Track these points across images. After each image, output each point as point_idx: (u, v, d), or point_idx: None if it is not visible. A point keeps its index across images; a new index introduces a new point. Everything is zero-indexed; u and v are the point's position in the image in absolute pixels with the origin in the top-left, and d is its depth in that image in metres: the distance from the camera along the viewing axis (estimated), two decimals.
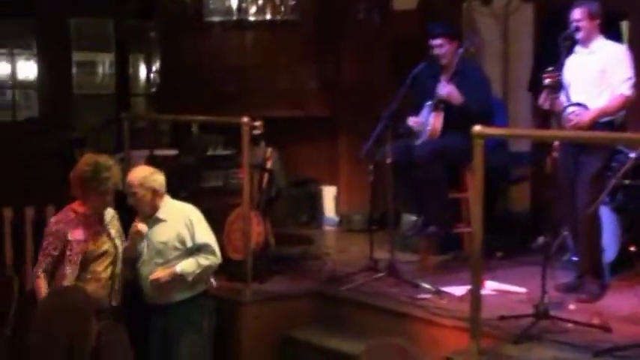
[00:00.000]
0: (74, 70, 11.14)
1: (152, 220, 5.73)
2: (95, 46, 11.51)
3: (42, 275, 5.47)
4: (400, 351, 4.63)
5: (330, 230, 8.94)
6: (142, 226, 5.65)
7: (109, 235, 5.59)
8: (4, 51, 10.88)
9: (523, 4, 8.47)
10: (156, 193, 5.71)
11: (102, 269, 5.51)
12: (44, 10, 10.46)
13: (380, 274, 6.41)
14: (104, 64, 11.68)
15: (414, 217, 7.03)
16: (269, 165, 6.88)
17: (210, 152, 8.24)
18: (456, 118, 6.48)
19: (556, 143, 5.82)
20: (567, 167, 5.89)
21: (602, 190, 5.81)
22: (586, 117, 5.79)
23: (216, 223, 6.22)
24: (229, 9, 8.93)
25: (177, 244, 5.67)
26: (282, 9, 8.92)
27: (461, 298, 5.82)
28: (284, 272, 6.89)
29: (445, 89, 6.58)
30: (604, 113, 5.82)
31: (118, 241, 5.62)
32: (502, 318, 5.31)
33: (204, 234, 5.73)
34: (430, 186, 6.55)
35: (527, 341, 5.04)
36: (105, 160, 5.54)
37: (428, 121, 6.67)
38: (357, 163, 7.60)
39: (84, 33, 11.30)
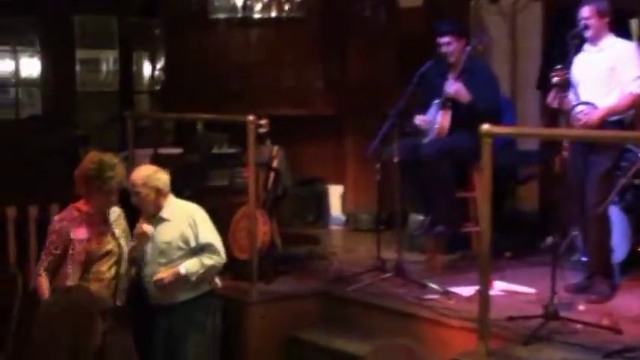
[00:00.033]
0: (78, 67, 11.14)
1: (156, 219, 5.73)
2: (99, 44, 11.50)
3: (44, 273, 5.47)
4: (407, 352, 4.64)
5: (337, 230, 8.95)
6: (147, 227, 5.64)
7: (113, 234, 5.57)
8: (7, 48, 10.89)
9: (531, 2, 8.45)
10: (159, 193, 5.71)
11: (106, 269, 5.50)
12: (47, 8, 10.46)
13: (387, 275, 6.41)
14: (108, 62, 11.67)
15: (421, 217, 7.03)
16: (275, 164, 6.87)
17: (215, 151, 8.25)
18: (464, 117, 6.47)
19: (566, 142, 5.81)
20: (576, 166, 5.88)
21: (611, 190, 5.80)
22: (595, 116, 5.78)
23: (221, 222, 6.22)
24: (234, 6, 8.95)
25: (181, 244, 5.66)
26: (288, 6, 8.94)
27: (469, 299, 5.82)
28: (290, 272, 6.89)
29: (453, 87, 6.58)
30: (613, 112, 5.81)
31: (122, 241, 5.60)
32: (511, 319, 5.30)
33: (208, 233, 5.73)
34: (438, 185, 6.55)
35: (537, 342, 5.03)
36: (109, 158, 5.53)
37: (435, 120, 6.66)
38: (364, 162, 7.60)
39: (87, 30, 11.29)
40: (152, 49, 11.65)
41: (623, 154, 6.19)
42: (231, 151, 8.20)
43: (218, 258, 5.72)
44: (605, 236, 5.95)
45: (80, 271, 5.41)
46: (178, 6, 9.50)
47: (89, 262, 5.44)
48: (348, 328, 6.18)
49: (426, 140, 6.69)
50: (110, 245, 5.53)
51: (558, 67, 5.76)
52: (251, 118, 6.20)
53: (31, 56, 10.96)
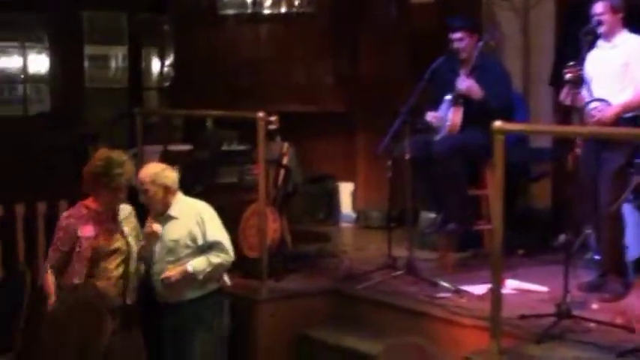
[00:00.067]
0: (86, 63, 11.15)
1: (164, 217, 5.73)
2: (108, 40, 11.50)
3: (50, 270, 5.49)
4: (419, 351, 4.64)
5: (347, 227, 8.96)
6: (156, 227, 5.64)
7: (122, 232, 5.57)
8: (15, 44, 10.90)
9: None
10: (168, 190, 5.71)
11: (113, 267, 5.50)
12: (56, 3, 10.48)
13: (398, 272, 6.42)
14: (117, 58, 11.68)
15: (433, 214, 7.03)
16: (285, 161, 6.88)
17: (224, 147, 8.26)
18: (476, 114, 6.47)
19: (579, 140, 5.80)
20: (589, 164, 5.86)
21: (624, 188, 5.79)
22: (609, 113, 5.77)
23: (230, 220, 6.23)
24: (244, 2, 8.96)
25: (189, 242, 5.67)
26: (298, 2, 8.94)
27: (481, 297, 5.82)
28: (300, 270, 6.90)
29: (465, 83, 6.57)
30: (627, 109, 5.79)
31: (131, 239, 5.60)
32: (523, 317, 5.30)
33: (216, 231, 5.73)
34: (449, 182, 6.55)
35: (549, 341, 5.03)
36: (118, 155, 5.53)
37: (447, 116, 6.66)
38: (375, 158, 7.59)
39: (96, 26, 11.30)
40: (161, 45, 11.65)
41: (636, 151, 6.17)
42: (241, 148, 8.22)
43: (226, 256, 5.72)
44: (618, 234, 5.94)
45: (87, 268, 5.42)
46: (188, 2, 9.52)
47: (96, 259, 5.44)
48: (358, 326, 6.19)
49: (437, 137, 6.69)
50: (118, 243, 5.54)
51: (571, 63, 5.75)
52: (261, 114, 6.20)
53: (40, 52, 10.98)
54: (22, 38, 10.86)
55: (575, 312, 5.22)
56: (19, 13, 10.52)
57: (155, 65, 11.97)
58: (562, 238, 6.60)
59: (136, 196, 5.76)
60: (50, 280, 5.46)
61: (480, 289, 5.97)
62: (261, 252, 6.29)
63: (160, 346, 5.80)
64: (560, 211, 7.25)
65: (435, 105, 6.80)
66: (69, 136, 9.67)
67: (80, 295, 5.27)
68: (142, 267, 5.69)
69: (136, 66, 11.41)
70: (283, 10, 8.93)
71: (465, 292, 6.04)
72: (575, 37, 5.93)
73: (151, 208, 5.77)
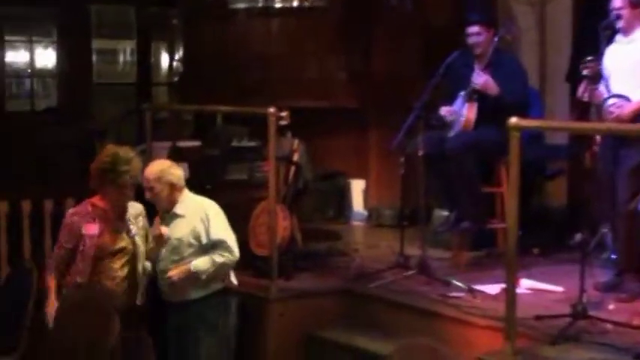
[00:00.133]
0: (94, 58, 11.20)
1: (170, 215, 5.74)
2: (116, 34, 11.56)
3: (53, 267, 5.52)
4: (431, 351, 4.62)
5: (359, 225, 8.94)
6: (164, 230, 5.63)
7: (128, 231, 5.54)
8: (22, 38, 10.95)
9: None
10: (174, 188, 5.70)
11: (118, 267, 5.48)
12: None
13: (410, 272, 6.40)
14: (125, 53, 11.73)
15: (446, 212, 7.02)
16: (296, 157, 6.88)
17: (234, 144, 8.26)
18: (491, 110, 6.45)
19: (597, 137, 5.78)
20: (607, 161, 5.84)
21: None
22: (627, 109, 5.74)
23: (240, 217, 6.23)
24: None
25: (192, 241, 5.66)
26: None
27: (495, 297, 5.81)
28: (311, 269, 6.89)
29: (481, 79, 6.55)
30: None
31: (138, 239, 5.56)
32: (538, 318, 5.28)
33: (220, 230, 5.71)
34: (463, 180, 6.53)
35: (565, 342, 5.01)
36: (124, 152, 5.51)
37: (461, 112, 6.65)
38: (387, 155, 7.58)
39: (105, 20, 11.35)
40: (170, 39, 11.70)
41: None
42: (251, 144, 8.22)
43: (229, 256, 5.70)
44: (636, 233, 5.91)
45: (91, 267, 5.41)
46: None
47: (100, 257, 5.43)
48: (369, 326, 6.18)
49: (451, 133, 6.67)
50: (124, 242, 5.52)
51: (589, 58, 5.74)
52: (272, 110, 6.19)
53: (47, 47, 11.02)
54: (29, 33, 10.90)
55: (592, 312, 5.19)
56: (26, 7, 10.56)
57: (164, 60, 12.02)
58: (578, 236, 6.56)
59: (142, 194, 5.76)
60: (52, 284, 5.48)
61: (493, 288, 5.96)
62: (271, 250, 6.29)
63: (165, 346, 5.80)
64: (576, 209, 7.22)
65: (450, 100, 6.78)
66: (76, 132, 9.71)
67: (86, 294, 5.27)
68: (149, 266, 5.68)
69: (145, 61, 11.47)
70: (295, 3, 8.92)
71: (479, 291, 6.03)
72: (592, 32, 5.91)
73: (157, 206, 5.77)
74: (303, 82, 8.90)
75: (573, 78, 7.00)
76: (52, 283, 5.50)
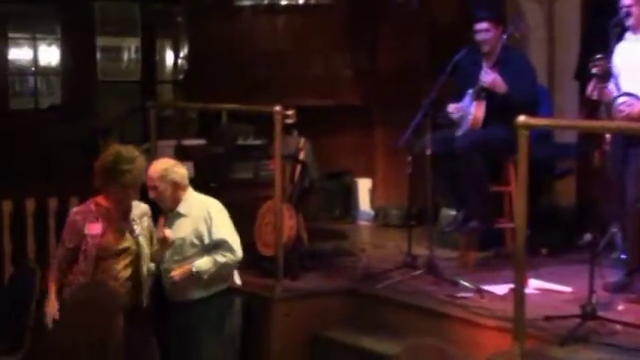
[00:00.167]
0: (98, 55, 11.19)
1: (173, 214, 5.74)
2: (120, 31, 11.56)
3: (55, 267, 5.52)
4: (438, 352, 4.61)
5: (365, 225, 8.94)
6: (168, 232, 5.62)
7: (132, 232, 5.53)
8: (26, 36, 10.95)
9: None
10: (177, 186, 5.70)
11: (121, 267, 5.47)
12: None
13: (418, 272, 6.40)
14: (130, 50, 11.74)
15: (453, 212, 7.01)
16: (302, 156, 6.88)
17: (240, 142, 8.26)
18: (499, 108, 6.45)
19: (607, 136, 5.77)
20: (616, 160, 5.84)
21: None
22: (637, 107, 5.72)
23: (245, 216, 6.22)
24: None
25: (195, 240, 5.67)
26: None
27: (503, 297, 5.80)
28: (317, 269, 6.89)
29: (489, 77, 6.54)
30: None
31: (142, 239, 5.55)
32: (547, 318, 5.27)
33: (222, 230, 5.71)
34: (471, 179, 6.53)
35: (574, 343, 5.00)
36: (127, 151, 5.50)
37: (469, 111, 6.64)
38: (394, 154, 7.58)
39: (109, 17, 11.35)
40: (175, 36, 11.70)
41: None
42: (257, 142, 8.22)
43: (231, 256, 5.69)
44: None
45: (94, 267, 5.41)
46: None
47: (103, 257, 5.42)
48: (376, 327, 6.18)
49: (459, 132, 6.66)
50: (127, 243, 5.50)
51: (598, 56, 5.72)
52: (278, 108, 6.19)
53: (50, 44, 11.02)
54: (33, 30, 10.90)
55: (601, 313, 5.18)
56: (30, 3, 10.56)
57: (169, 57, 12.02)
58: (587, 236, 6.57)
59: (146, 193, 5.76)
60: (52, 285, 5.49)
61: (502, 289, 5.96)
62: (277, 250, 6.28)
63: (168, 345, 5.80)
64: (585, 208, 7.21)
65: (457, 99, 6.78)
66: (80, 130, 9.71)
67: (90, 294, 5.26)
68: (153, 267, 5.68)
69: (149, 58, 11.46)
70: (301, 1, 8.92)
71: (487, 292, 6.02)
72: (601, 30, 5.89)
73: (160, 205, 5.77)
74: (309, 80, 8.90)
75: (582, 76, 6.98)
76: (52, 283, 5.50)
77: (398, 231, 7.89)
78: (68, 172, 9.01)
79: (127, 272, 5.50)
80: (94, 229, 5.44)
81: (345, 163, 9.14)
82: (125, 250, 5.49)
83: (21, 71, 11.04)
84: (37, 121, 10.38)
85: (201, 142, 8.57)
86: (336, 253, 7.40)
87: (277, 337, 6.30)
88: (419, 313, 5.96)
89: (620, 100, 5.78)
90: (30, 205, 7.61)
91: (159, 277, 5.76)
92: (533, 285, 6.01)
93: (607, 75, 5.75)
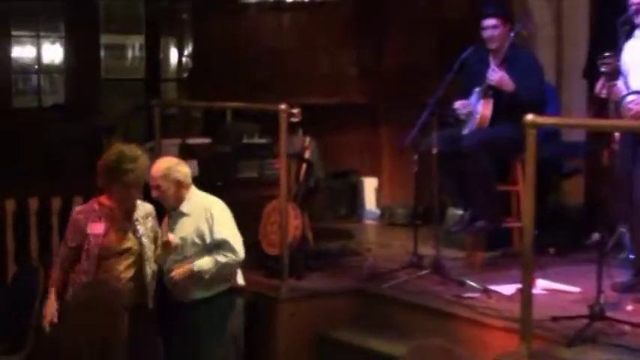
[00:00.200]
0: (102, 53, 11.18)
1: (176, 213, 5.74)
2: (125, 29, 11.55)
3: (57, 265, 5.53)
4: (445, 353, 4.62)
5: (371, 224, 8.95)
6: (172, 237, 5.63)
7: (135, 232, 5.54)
8: (29, 33, 10.94)
9: None
10: (180, 185, 5.70)
11: (122, 268, 5.47)
12: None
13: (424, 272, 6.40)
14: (134, 48, 11.73)
15: (460, 211, 7.01)
16: (307, 155, 6.88)
17: (245, 141, 8.26)
18: (506, 106, 6.45)
19: (616, 134, 5.76)
20: (625, 159, 5.83)
21: None
22: None
23: (250, 216, 6.22)
24: None
25: (196, 240, 5.66)
26: None
27: (510, 298, 5.80)
28: (322, 268, 6.89)
29: (496, 75, 6.54)
30: None
31: (145, 240, 5.55)
32: (554, 319, 5.27)
33: (224, 229, 5.70)
34: (478, 178, 6.52)
35: (581, 344, 5.00)
36: (130, 150, 5.49)
37: (476, 109, 6.63)
38: (400, 153, 7.58)
39: (113, 14, 11.34)
40: (180, 34, 11.68)
41: None
42: (262, 141, 8.22)
43: (232, 256, 5.68)
44: None
45: (96, 266, 5.41)
46: None
47: (105, 257, 5.43)
48: (382, 327, 6.18)
49: (466, 131, 6.66)
50: (129, 243, 5.50)
51: (607, 54, 5.70)
52: (283, 106, 6.19)
53: (54, 42, 11.02)
54: (36, 27, 10.90)
55: (609, 313, 5.18)
56: (33, 1, 10.56)
57: (173, 55, 12.00)
58: (595, 236, 6.57)
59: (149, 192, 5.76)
60: (54, 276, 5.52)
61: (509, 289, 5.95)
62: (282, 250, 6.29)
63: (171, 345, 5.81)
64: (593, 208, 7.20)
65: (464, 97, 6.77)
66: (84, 128, 9.70)
67: (94, 293, 5.27)
68: (156, 267, 5.67)
69: (154, 56, 11.44)
70: None
71: (494, 292, 6.02)
72: (610, 27, 5.88)
73: (164, 204, 5.77)
74: (315, 78, 8.92)
75: (591, 74, 6.98)
76: (53, 284, 5.52)
77: (404, 230, 7.89)
78: (72, 170, 9.01)
79: (130, 272, 5.50)
80: (97, 228, 5.45)
81: (351, 162, 9.15)
82: (127, 250, 5.49)
83: (24, 69, 11.02)
84: (40, 119, 10.37)
85: (205, 140, 8.57)
86: (342, 253, 7.41)
87: (283, 337, 6.30)
88: (425, 313, 5.96)
89: (629, 98, 5.76)
90: (33, 204, 7.62)
91: (161, 277, 5.76)
92: (541, 285, 6.01)
93: (616, 73, 5.73)
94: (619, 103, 5.80)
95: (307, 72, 8.93)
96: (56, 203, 7.64)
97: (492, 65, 6.64)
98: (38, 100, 10.97)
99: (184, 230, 5.69)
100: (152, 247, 5.62)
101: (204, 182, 6.00)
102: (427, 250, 6.57)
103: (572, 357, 4.91)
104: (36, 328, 5.73)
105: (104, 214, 5.50)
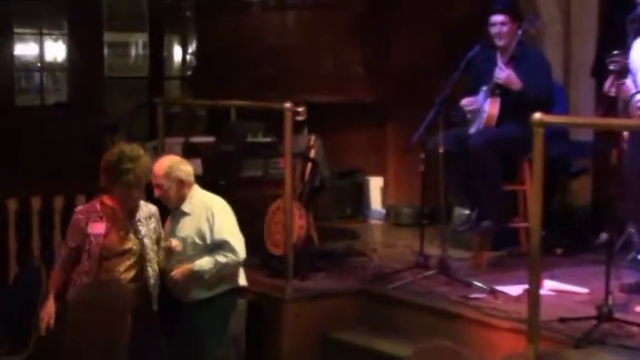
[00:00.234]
0: (105, 51, 11.19)
1: (178, 212, 5.74)
2: (128, 26, 11.56)
3: (58, 266, 5.53)
4: (451, 354, 4.62)
5: (377, 224, 8.94)
6: (174, 242, 5.62)
7: (136, 232, 5.53)
8: (32, 31, 10.95)
9: None
10: (183, 184, 5.69)
11: (123, 269, 5.46)
12: None
13: (430, 272, 6.39)
14: (137, 46, 11.74)
15: (467, 211, 7.00)
16: (312, 154, 6.88)
17: (249, 139, 8.25)
18: (514, 105, 6.44)
19: (625, 133, 5.75)
20: (634, 159, 5.82)
21: None
22: None
23: (254, 215, 6.22)
24: None
25: (197, 240, 5.65)
26: None
27: (517, 298, 5.80)
28: (327, 269, 6.89)
29: (503, 73, 6.52)
30: None
31: (147, 241, 5.54)
32: (562, 320, 5.27)
33: (224, 229, 5.68)
34: (485, 177, 6.51)
35: (589, 345, 5.00)
36: (131, 149, 5.47)
37: (483, 108, 6.62)
38: (406, 152, 7.56)
39: (116, 12, 11.35)
40: (183, 32, 11.69)
41: None
42: (266, 140, 8.21)
43: (233, 256, 5.66)
44: None
45: (97, 266, 5.41)
46: None
47: (106, 257, 5.42)
48: (387, 328, 6.18)
49: (473, 130, 6.65)
50: (130, 244, 5.49)
51: (615, 52, 5.70)
52: (288, 105, 6.18)
53: (57, 40, 11.02)
54: (39, 25, 10.91)
55: (617, 315, 5.17)
56: None
57: (177, 53, 12.01)
58: (603, 236, 6.52)
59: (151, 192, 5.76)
60: (52, 287, 5.52)
61: (516, 289, 5.95)
62: (287, 249, 6.28)
63: (173, 345, 5.81)
64: (601, 208, 7.19)
65: (471, 96, 6.76)
66: (87, 127, 9.71)
67: (98, 293, 5.27)
68: (157, 267, 5.67)
69: (157, 54, 11.45)
70: None
71: (501, 292, 6.02)
72: (618, 25, 5.88)
73: (166, 204, 5.76)
74: (319, 76, 8.91)
75: (599, 72, 6.96)
76: (53, 284, 5.53)
77: (410, 230, 7.89)
78: (74, 169, 9.02)
79: (131, 273, 5.49)
80: (98, 228, 5.44)
81: (357, 161, 9.14)
82: (129, 251, 5.49)
83: (27, 67, 11.04)
84: (42, 117, 10.38)
85: (209, 139, 8.57)
86: (347, 253, 7.40)
87: (287, 337, 6.30)
88: (431, 314, 5.96)
89: (638, 96, 5.76)
90: (35, 203, 7.63)
91: (162, 277, 5.76)
92: (548, 286, 6.00)
93: (625, 71, 5.73)
94: (628, 101, 5.80)
95: (312, 70, 8.92)
96: (59, 202, 7.65)
97: (500, 63, 6.63)
98: (41, 99, 10.97)
99: (185, 230, 5.68)
100: (155, 248, 5.61)
101: (207, 181, 6.00)
102: (433, 251, 6.56)
103: (579, 358, 4.91)
104: (38, 328, 5.74)
105: (106, 214, 5.49)
